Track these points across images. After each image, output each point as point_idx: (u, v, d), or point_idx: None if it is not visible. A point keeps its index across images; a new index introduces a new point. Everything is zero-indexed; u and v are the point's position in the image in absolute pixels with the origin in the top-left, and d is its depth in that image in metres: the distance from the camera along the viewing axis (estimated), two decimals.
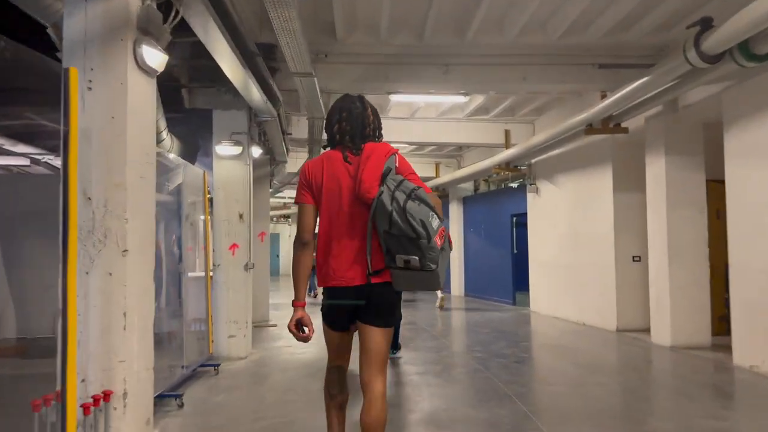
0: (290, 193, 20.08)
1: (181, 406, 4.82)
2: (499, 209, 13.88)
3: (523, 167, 11.91)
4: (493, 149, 12.44)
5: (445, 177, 14.85)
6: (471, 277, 15.53)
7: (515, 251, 13.17)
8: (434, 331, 9.51)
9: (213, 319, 6.91)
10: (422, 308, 12.59)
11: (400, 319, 6.52)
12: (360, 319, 2.67)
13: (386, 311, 2.66)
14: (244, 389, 5.66)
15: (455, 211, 16.09)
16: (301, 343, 2.74)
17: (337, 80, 7.28)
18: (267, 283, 10.67)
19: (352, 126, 2.73)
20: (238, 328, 7.01)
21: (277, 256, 26.60)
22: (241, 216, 7.10)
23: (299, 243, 2.72)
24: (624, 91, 6.90)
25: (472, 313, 12.10)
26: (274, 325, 10.01)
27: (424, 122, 11.30)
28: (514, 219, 13.23)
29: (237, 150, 7.05)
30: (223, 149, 7.04)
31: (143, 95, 3.25)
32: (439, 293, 12.10)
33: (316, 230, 2.76)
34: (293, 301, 2.71)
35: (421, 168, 15.75)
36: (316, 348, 7.14)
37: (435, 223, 2.47)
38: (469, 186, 15.88)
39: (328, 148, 2.81)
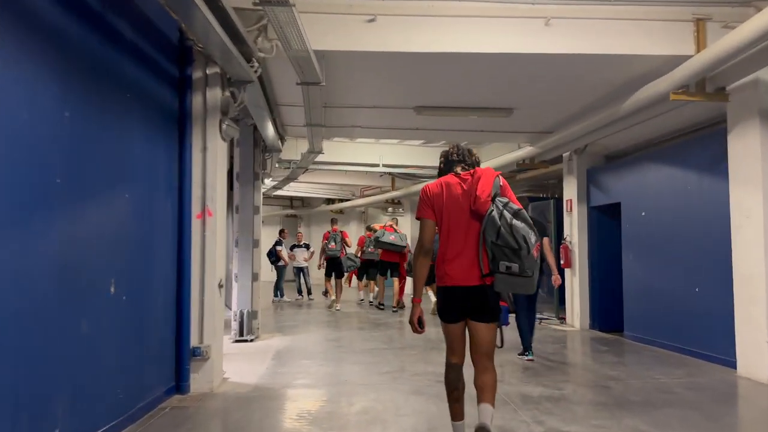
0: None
1: None
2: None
3: None
4: None
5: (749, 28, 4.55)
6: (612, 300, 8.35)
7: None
8: None
9: None
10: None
11: (532, 323, 6.59)
12: (470, 317, 3.32)
13: (490, 309, 3.30)
14: None
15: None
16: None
17: None
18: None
19: (460, 156, 3.54)
20: None
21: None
22: None
23: (422, 250, 3.38)
24: None
25: (640, 400, 5.03)
26: None
27: None
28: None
29: None
30: None
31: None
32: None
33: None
34: (413, 298, 3.38)
35: (664, 32, 5.43)
36: None
37: (533, 239, 3.14)
38: None
39: (440, 177, 3.54)
